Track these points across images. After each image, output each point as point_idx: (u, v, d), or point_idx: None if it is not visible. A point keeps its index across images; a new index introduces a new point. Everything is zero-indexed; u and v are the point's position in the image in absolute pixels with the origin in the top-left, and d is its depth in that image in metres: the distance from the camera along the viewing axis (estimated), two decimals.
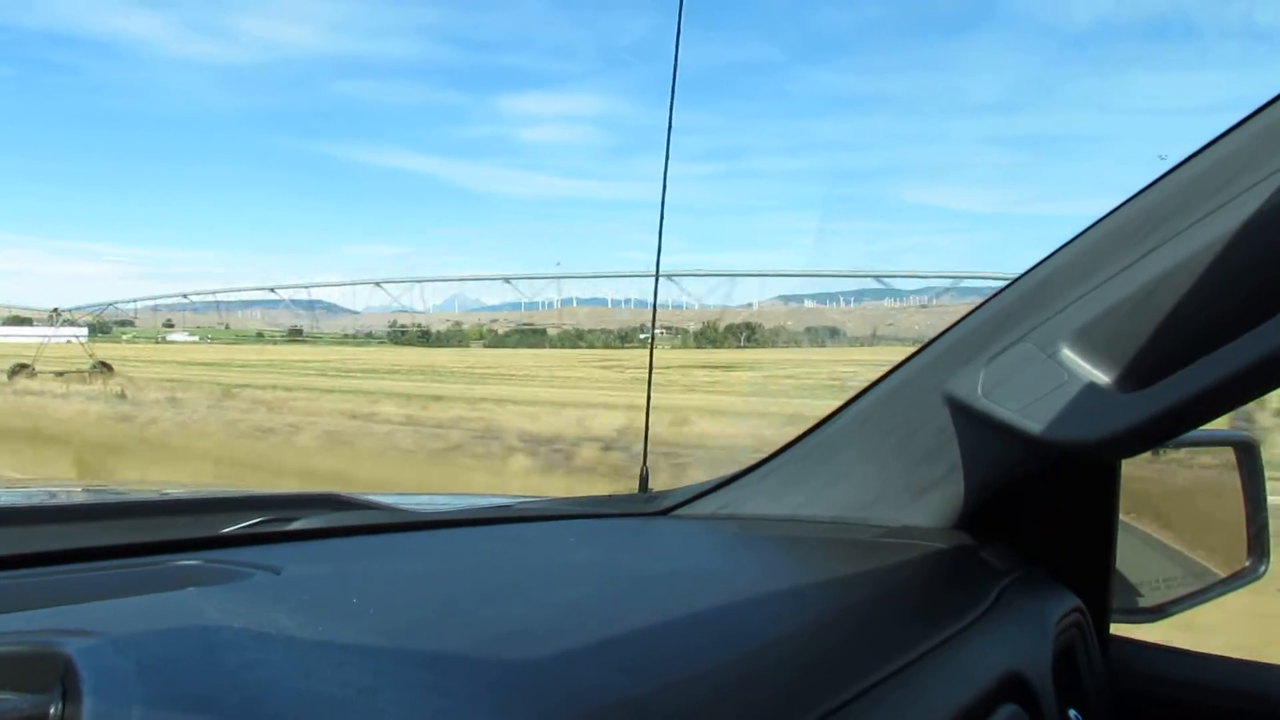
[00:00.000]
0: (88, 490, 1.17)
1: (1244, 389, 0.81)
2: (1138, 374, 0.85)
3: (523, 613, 0.64)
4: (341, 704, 0.45)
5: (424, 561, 0.79)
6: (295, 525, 0.92)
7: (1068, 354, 0.88)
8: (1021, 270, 0.95)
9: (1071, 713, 0.89)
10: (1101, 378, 0.87)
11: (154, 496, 1.16)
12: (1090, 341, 0.88)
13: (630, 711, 0.49)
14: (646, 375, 1.26)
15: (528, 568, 0.79)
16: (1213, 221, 0.81)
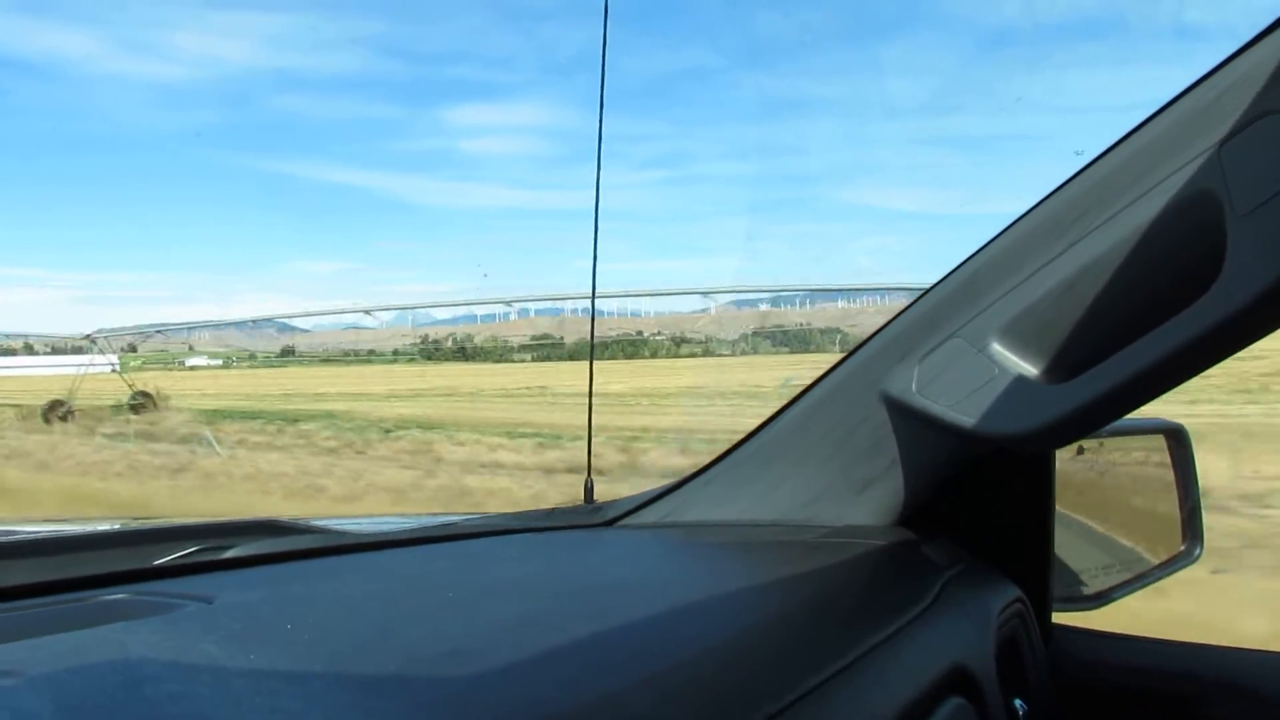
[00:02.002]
0: (11, 527, 1.13)
1: (1168, 376, 0.83)
2: (1065, 365, 0.87)
3: (460, 631, 0.63)
4: None
5: (361, 584, 0.78)
6: (230, 553, 0.90)
7: (997, 348, 0.90)
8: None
9: (1016, 702, 0.90)
10: (1030, 370, 0.89)
11: (83, 531, 1.12)
12: (1018, 335, 0.89)
13: None
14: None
15: (467, 585, 0.78)
16: (1130, 214, 0.83)
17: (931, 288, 0.97)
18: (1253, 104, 0.77)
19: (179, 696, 0.46)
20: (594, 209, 1.20)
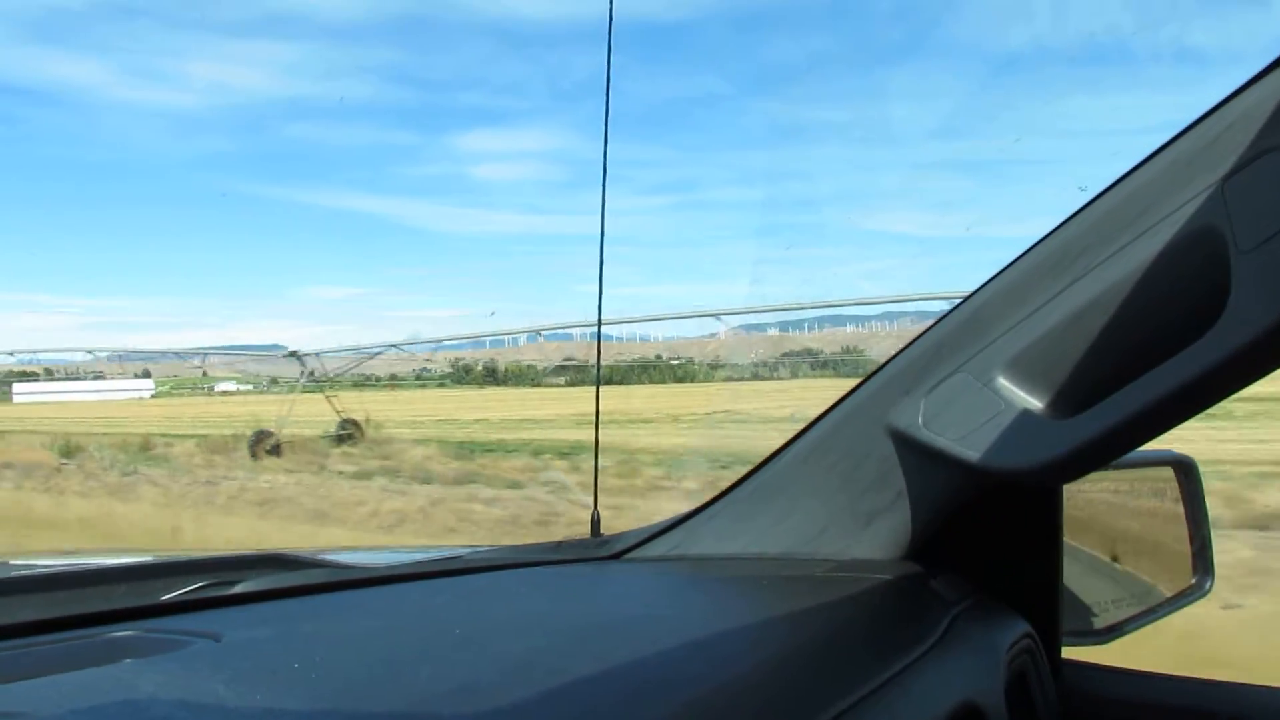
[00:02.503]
0: (18, 563, 1.13)
1: (1174, 411, 0.83)
2: (1071, 400, 0.87)
3: (466, 669, 0.63)
4: None
5: (369, 620, 0.78)
6: (238, 589, 0.90)
7: (1003, 383, 0.90)
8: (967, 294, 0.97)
9: None
10: (1036, 404, 0.89)
11: (91, 566, 1.12)
12: (1024, 370, 0.89)
13: None
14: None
15: (474, 621, 0.78)
16: (1133, 249, 0.84)
17: (937, 321, 0.97)
18: (1255, 140, 0.77)
19: None
20: (599, 234, 1.21)
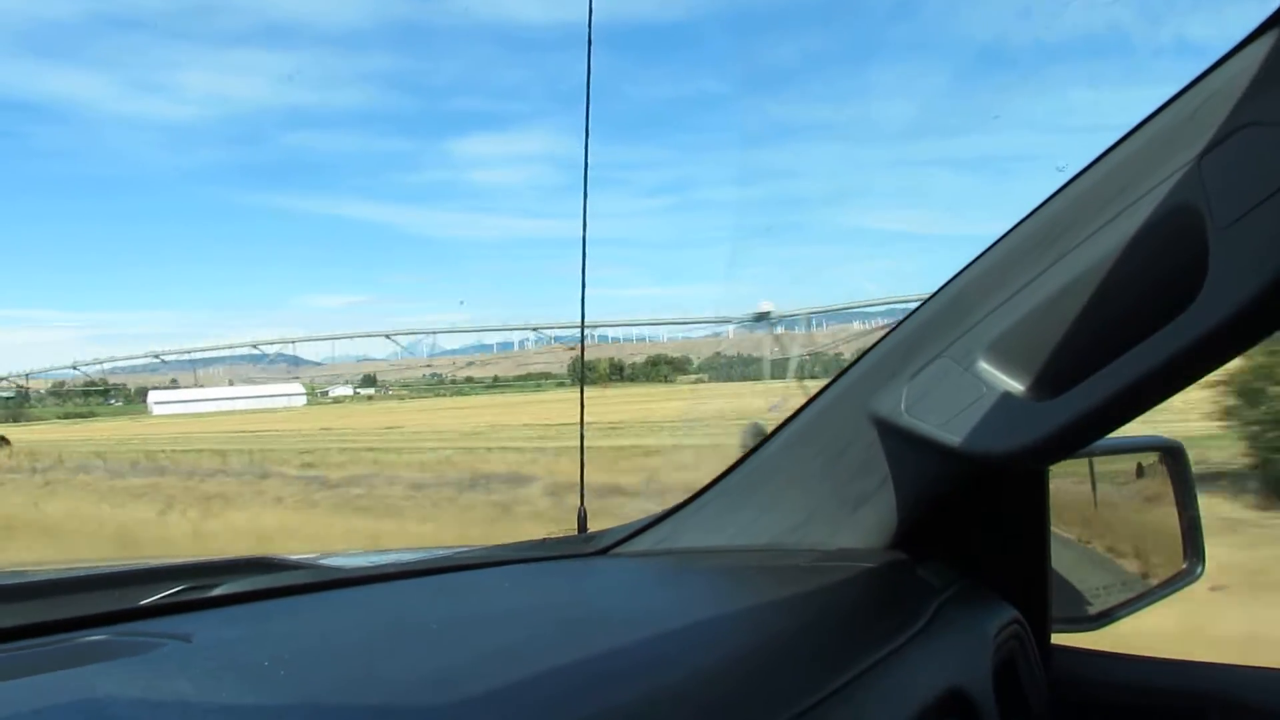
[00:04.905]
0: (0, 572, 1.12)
1: (1155, 389, 0.82)
2: (1053, 382, 0.87)
3: (443, 661, 0.62)
4: None
5: (345, 618, 0.77)
6: (215, 592, 0.89)
7: (984, 366, 0.89)
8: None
9: None
10: (1017, 387, 0.88)
11: (70, 573, 1.11)
12: (1005, 353, 0.89)
13: None
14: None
15: (455, 617, 0.77)
16: (1112, 229, 0.83)
17: (918, 308, 0.97)
18: (1230, 116, 0.77)
19: None
20: (581, 235, 1.20)
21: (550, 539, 1.14)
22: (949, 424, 0.90)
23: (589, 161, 1.17)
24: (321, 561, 1.13)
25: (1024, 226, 0.90)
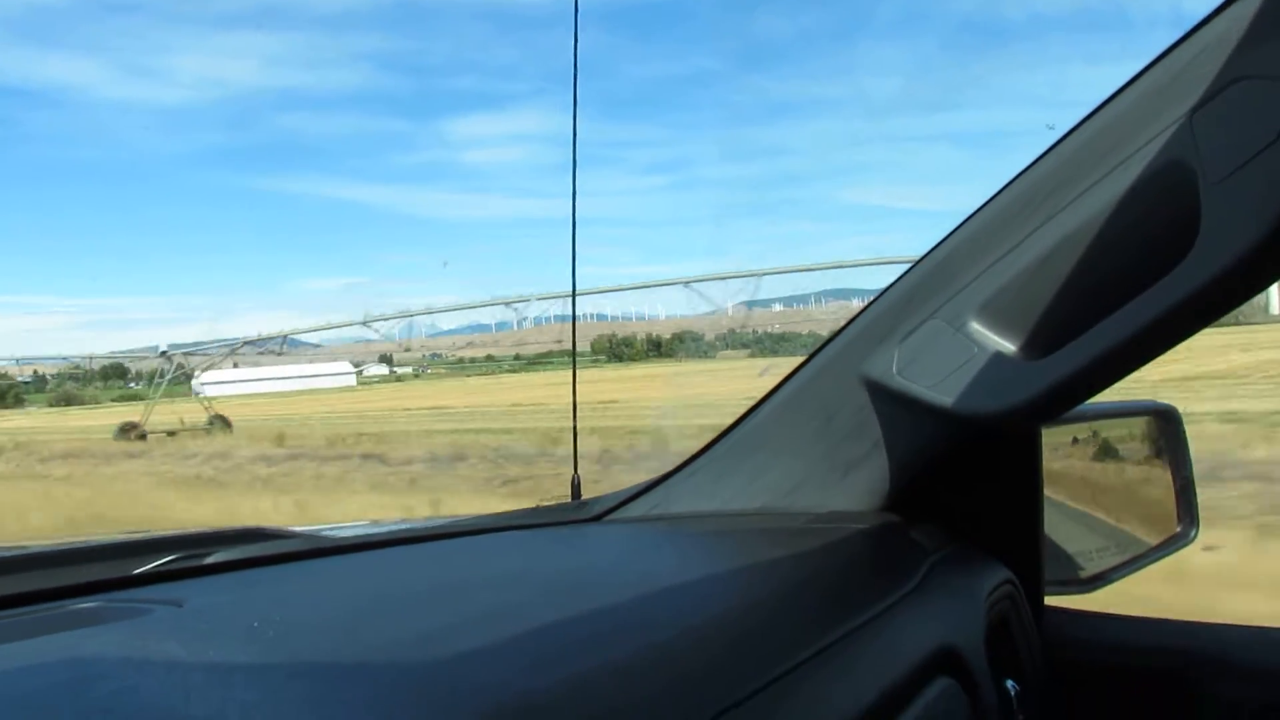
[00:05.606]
0: None
1: (1146, 347, 0.82)
2: (1045, 341, 0.86)
3: (434, 622, 0.62)
4: None
5: (338, 584, 0.77)
6: (209, 560, 0.89)
7: (976, 327, 0.89)
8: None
9: (1008, 683, 0.89)
10: (1009, 347, 0.88)
11: (66, 545, 1.12)
12: (996, 313, 0.89)
13: (529, 706, 0.48)
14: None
15: (445, 582, 0.77)
16: (1103, 187, 0.83)
17: (910, 269, 0.96)
18: (1222, 71, 0.76)
19: (127, 690, 0.46)
20: (571, 211, 1.20)
21: (543, 506, 1.14)
22: (941, 385, 0.90)
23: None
24: (314, 531, 1.13)
25: (1015, 186, 0.89)
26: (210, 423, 28.07)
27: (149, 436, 26.18)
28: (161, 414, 29.11)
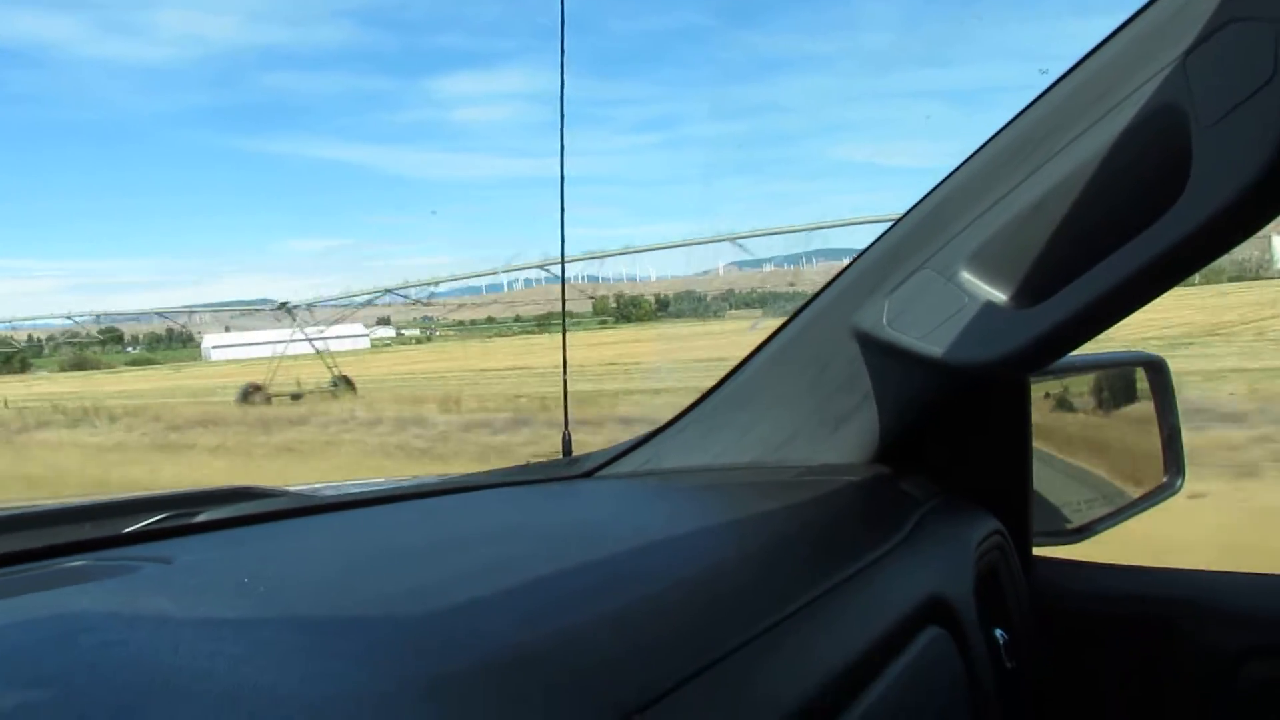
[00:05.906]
0: None
1: (1136, 293, 0.82)
2: (1036, 290, 0.86)
3: (427, 576, 0.62)
4: (206, 674, 0.43)
5: (329, 541, 0.77)
6: (199, 518, 0.89)
7: (966, 276, 0.89)
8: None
9: (997, 632, 0.90)
10: (1000, 296, 0.88)
11: (56, 504, 1.11)
12: (987, 263, 0.88)
13: (523, 657, 0.48)
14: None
15: (437, 538, 0.77)
16: (1094, 133, 0.82)
17: (899, 220, 0.95)
18: (1215, 13, 0.75)
19: (114, 643, 0.45)
20: (559, 172, 1.18)
21: (534, 464, 1.14)
22: (931, 335, 0.90)
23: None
24: (305, 490, 1.13)
25: (1006, 133, 0.88)
26: (334, 384, 25.76)
27: (273, 400, 23.63)
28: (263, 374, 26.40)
